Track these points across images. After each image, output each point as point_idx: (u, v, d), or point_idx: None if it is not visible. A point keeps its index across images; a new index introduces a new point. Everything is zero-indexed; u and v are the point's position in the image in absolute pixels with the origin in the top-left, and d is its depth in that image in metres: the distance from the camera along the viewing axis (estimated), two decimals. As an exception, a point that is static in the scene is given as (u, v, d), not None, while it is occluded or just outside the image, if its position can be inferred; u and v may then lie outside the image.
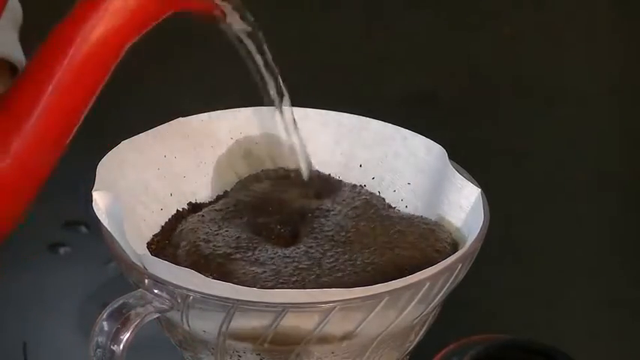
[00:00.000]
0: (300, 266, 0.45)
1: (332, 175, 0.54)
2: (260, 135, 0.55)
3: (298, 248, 0.47)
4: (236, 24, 0.50)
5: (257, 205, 0.51)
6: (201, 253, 0.46)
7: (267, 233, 0.49)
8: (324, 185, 0.53)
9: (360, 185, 0.53)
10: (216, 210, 0.50)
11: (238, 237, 0.47)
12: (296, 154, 0.54)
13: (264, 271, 0.44)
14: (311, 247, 0.47)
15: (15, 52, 0.64)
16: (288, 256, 0.46)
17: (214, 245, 0.46)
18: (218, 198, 0.53)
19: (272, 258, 0.45)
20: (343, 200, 0.51)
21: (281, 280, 0.44)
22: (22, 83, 0.49)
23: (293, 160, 0.54)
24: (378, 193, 0.53)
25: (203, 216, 0.50)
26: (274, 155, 0.54)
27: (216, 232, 0.48)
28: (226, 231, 0.48)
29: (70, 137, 0.50)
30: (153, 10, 0.49)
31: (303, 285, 0.43)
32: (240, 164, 0.54)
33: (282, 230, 0.49)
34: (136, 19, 0.48)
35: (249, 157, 0.54)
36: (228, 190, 0.53)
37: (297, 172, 0.54)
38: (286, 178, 0.54)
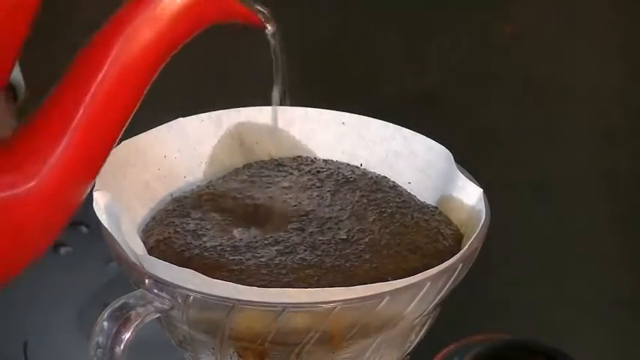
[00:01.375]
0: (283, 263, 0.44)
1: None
2: (260, 134, 0.55)
3: (286, 245, 0.45)
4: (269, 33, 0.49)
5: (238, 193, 0.50)
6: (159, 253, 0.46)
7: (245, 226, 0.47)
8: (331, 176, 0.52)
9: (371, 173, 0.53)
10: (185, 200, 0.50)
11: (203, 233, 0.47)
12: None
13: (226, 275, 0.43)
14: (301, 244, 0.45)
15: (13, 73, 0.63)
16: (261, 255, 0.44)
17: (172, 243, 0.46)
18: None
19: (242, 262, 0.44)
20: (348, 187, 0.50)
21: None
22: (51, 105, 0.45)
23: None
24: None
25: (175, 209, 0.49)
26: (274, 154, 0.54)
27: (179, 227, 0.47)
28: (199, 222, 0.47)
29: (104, 160, 0.46)
30: (201, 16, 0.46)
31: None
32: (241, 164, 0.54)
33: (264, 223, 0.48)
34: (181, 26, 0.45)
35: (249, 157, 0.54)
36: None
37: (298, 161, 0.53)
38: (282, 165, 0.53)
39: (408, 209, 0.49)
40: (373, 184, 0.51)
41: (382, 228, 0.47)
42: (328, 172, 0.52)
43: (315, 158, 0.54)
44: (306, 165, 0.53)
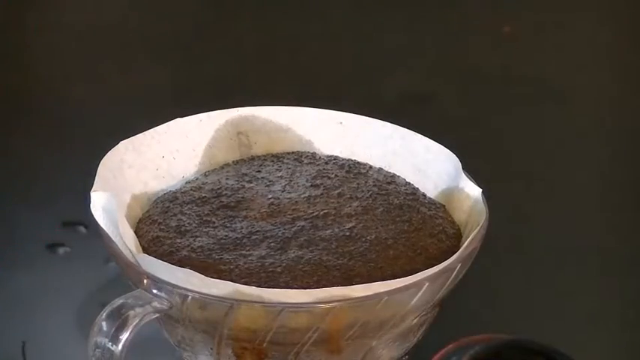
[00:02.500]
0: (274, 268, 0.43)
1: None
2: (259, 134, 0.55)
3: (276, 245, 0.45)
4: None
5: (217, 184, 0.50)
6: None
7: (227, 217, 0.47)
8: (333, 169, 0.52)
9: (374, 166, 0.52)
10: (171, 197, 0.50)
11: (186, 228, 0.46)
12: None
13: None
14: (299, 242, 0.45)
15: None
16: (249, 254, 0.44)
17: (161, 244, 0.46)
18: None
19: (230, 261, 0.44)
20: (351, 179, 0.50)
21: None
22: None
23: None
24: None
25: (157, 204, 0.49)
26: (273, 154, 0.54)
27: (162, 225, 0.47)
28: (180, 218, 0.47)
29: None
30: None
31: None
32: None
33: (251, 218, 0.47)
34: None
35: (247, 157, 0.54)
36: None
37: (297, 154, 0.53)
38: (277, 157, 0.53)
39: (416, 202, 0.48)
40: (390, 177, 0.51)
41: (389, 223, 0.46)
42: (340, 163, 0.52)
43: (315, 153, 0.54)
44: (306, 157, 0.53)
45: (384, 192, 0.49)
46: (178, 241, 0.45)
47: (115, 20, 1.03)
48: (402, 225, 0.46)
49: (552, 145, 0.83)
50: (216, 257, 0.44)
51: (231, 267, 0.43)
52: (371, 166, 0.52)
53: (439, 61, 0.98)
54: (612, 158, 0.81)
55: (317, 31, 1.02)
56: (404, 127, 0.53)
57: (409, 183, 0.51)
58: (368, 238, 0.45)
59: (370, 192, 0.49)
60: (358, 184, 0.50)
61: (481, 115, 0.87)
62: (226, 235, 0.45)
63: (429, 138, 0.52)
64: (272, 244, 0.45)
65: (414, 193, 0.50)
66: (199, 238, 0.45)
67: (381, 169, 0.52)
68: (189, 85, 0.89)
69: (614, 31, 1.05)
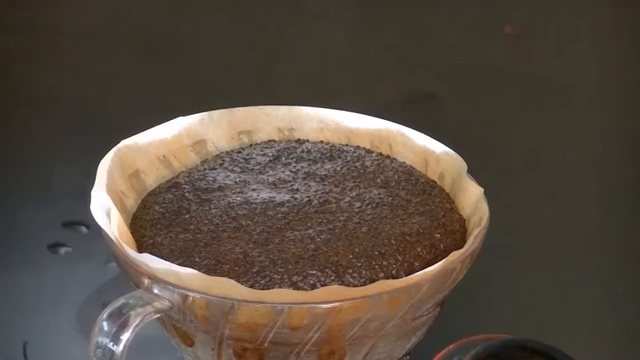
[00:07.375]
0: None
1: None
2: (260, 134, 0.55)
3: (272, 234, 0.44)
4: None
5: (197, 170, 0.49)
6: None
7: (199, 202, 0.47)
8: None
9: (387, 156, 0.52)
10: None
11: (162, 222, 0.46)
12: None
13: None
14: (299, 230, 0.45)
15: None
16: (229, 249, 0.43)
17: (146, 245, 0.45)
18: None
19: (212, 260, 0.44)
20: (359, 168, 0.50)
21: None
22: None
23: None
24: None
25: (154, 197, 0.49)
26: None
27: (141, 221, 0.47)
28: (155, 210, 0.47)
29: None
30: None
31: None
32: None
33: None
34: None
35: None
36: None
37: (300, 142, 0.53)
38: (274, 141, 0.53)
39: (436, 190, 0.48)
40: (410, 166, 0.50)
41: (414, 214, 0.46)
42: (357, 144, 0.52)
43: (322, 141, 0.53)
44: (308, 140, 0.53)
45: (407, 173, 0.49)
46: (158, 239, 0.45)
47: (115, 20, 1.03)
48: (425, 220, 0.46)
49: (553, 145, 0.83)
50: (197, 259, 0.43)
51: (215, 268, 0.43)
52: (389, 154, 0.52)
53: (439, 61, 0.98)
54: (614, 158, 0.81)
55: (317, 31, 1.02)
56: (406, 127, 0.53)
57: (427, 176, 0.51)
58: (391, 232, 0.45)
59: (395, 170, 0.49)
60: (383, 160, 0.50)
61: (481, 116, 0.87)
62: (199, 229, 0.45)
63: (431, 138, 0.52)
64: (254, 236, 0.44)
65: (434, 181, 0.50)
66: (174, 235, 0.45)
67: (396, 159, 0.52)
68: (189, 84, 0.89)
69: (615, 31, 1.05)
